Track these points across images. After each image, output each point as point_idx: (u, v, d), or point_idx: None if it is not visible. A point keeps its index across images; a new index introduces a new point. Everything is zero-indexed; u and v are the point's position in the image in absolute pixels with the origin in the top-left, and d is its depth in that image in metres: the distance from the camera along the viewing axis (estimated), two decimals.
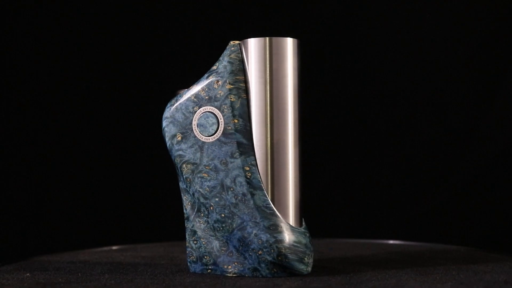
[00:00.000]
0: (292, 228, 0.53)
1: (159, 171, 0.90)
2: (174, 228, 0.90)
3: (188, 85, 0.55)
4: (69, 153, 0.91)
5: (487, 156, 0.90)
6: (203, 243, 0.55)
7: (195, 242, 0.55)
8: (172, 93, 0.56)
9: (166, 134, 0.55)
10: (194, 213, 0.55)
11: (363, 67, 0.92)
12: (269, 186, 0.53)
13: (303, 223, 0.54)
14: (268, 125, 0.53)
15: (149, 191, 0.93)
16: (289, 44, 0.54)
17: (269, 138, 0.53)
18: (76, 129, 0.91)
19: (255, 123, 0.53)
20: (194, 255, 0.55)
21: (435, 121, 0.91)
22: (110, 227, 0.91)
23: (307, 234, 0.54)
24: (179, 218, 0.75)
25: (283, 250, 0.52)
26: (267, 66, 0.53)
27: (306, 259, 0.53)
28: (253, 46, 0.53)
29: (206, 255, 0.55)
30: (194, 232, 0.55)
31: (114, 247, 0.72)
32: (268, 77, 0.53)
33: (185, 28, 0.93)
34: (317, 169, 0.92)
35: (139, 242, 0.77)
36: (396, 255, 0.64)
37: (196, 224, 0.55)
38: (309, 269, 0.54)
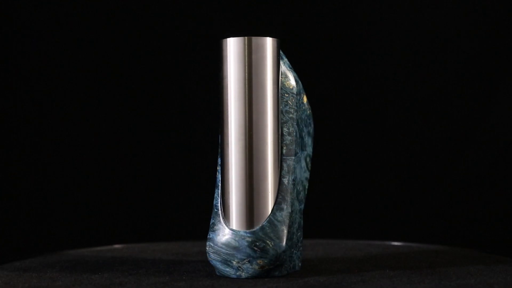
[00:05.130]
0: (226, 230, 0.52)
1: (171, 170, 0.91)
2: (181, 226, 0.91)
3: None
4: (69, 153, 0.92)
5: (487, 156, 0.89)
6: None
7: None
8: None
9: None
10: None
11: (363, 66, 0.92)
12: (248, 187, 0.53)
13: (261, 226, 0.52)
14: (247, 125, 0.53)
15: (160, 189, 0.93)
16: (268, 43, 0.53)
17: (247, 139, 0.53)
18: (89, 129, 0.92)
19: (234, 124, 0.53)
20: None
21: (435, 121, 0.91)
22: (116, 225, 0.92)
23: (250, 239, 0.51)
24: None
25: (207, 248, 0.53)
26: (246, 66, 0.53)
27: (235, 262, 0.52)
28: (232, 46, 0.53)
29: None
30: None
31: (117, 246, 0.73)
32: (246, 77, 0.53)
33: (185, 28, 0.93)
34: (316, 170, 0.92)
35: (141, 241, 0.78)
36: (396, 256, 0.62)
37: None
38: (244, 274, 0.52)
